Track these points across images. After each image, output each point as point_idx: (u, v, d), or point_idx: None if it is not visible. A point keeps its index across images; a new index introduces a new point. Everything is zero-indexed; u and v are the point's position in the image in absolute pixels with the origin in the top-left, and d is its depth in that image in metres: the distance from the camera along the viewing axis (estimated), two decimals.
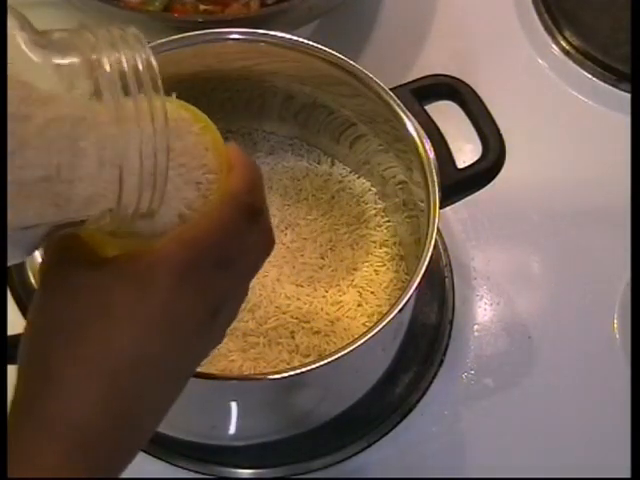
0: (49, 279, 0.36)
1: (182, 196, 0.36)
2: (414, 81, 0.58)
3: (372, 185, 0.66)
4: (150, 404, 0.36)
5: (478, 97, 0.58)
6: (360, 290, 0.62)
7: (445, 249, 0.69)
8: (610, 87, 0.78)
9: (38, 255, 0.50)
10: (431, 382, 0.65)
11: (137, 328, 0.35)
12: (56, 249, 0.36)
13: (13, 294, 0.50)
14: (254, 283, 0.60)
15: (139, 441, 0.37)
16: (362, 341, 0.49)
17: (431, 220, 0.52)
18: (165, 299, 0.35)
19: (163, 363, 0.36)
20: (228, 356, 0.58)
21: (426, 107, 0.57)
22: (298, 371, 0.49)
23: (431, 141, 0.55)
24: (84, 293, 0.35)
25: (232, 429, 0.63)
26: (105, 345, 0.34)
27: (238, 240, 0.37)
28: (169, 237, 0.36)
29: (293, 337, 0.59)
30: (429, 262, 0.51)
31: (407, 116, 0.56)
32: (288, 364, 0.58)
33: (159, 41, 0.58)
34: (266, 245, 0.40)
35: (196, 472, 0.62)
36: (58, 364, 0.34)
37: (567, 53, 0.79)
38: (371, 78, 0.57)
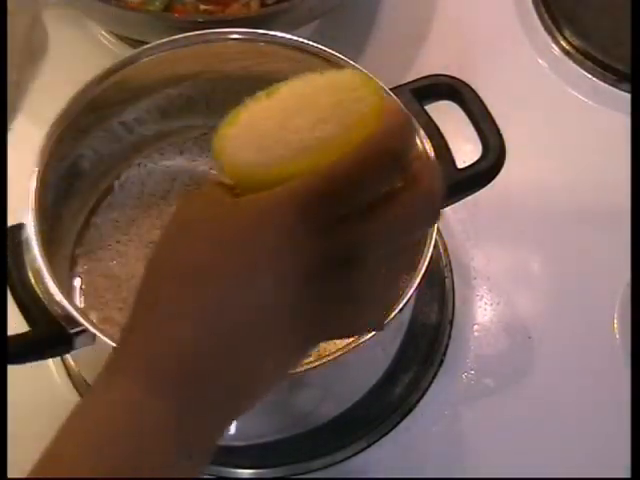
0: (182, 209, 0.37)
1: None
2: (414, 81, 0.58)
3: None
4: (249, 359, 0.34)
5: (478, 97, 0.58)
6: None
7: (445, 249, 0.69)
8: (610, 87, 0.78)
9: (38, 255, 0.50)
10: (431, 382, 0.65)
11: (241, 270, 0.34)
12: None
13: (13, 294, 0.50)
14: None
15: (235, 401, 0.35)
16: (362, 341, 0.49)
17: None
18: (275, 243, 0.34)
19: (267, 313, 0.34)
20: None
21: (426, 107, 0.57)
22: (298, 371, 0.49)
23: (431, 141, 0.55)
24: (201, 228, 0.35)
25: (232, 429, 0.63)
26: (209, 289, 0.34)
27: (375, 182, 0.35)
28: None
29: None
30: (429, 262, 0.51)
31: None
32: None
33: (159, 41, 0.58)
34: (422, 204, 0.36)
35: None
36: (164, 297, 0.34)
37: (567, 53, 0.79)
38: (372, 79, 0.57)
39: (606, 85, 0.78)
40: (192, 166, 0.66)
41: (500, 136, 0.57)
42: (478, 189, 0.57)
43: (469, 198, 0.58)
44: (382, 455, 0.63)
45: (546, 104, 0.77)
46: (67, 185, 0.60)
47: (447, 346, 0.66)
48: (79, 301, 0.61)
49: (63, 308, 0.49)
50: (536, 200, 0.72)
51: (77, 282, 0.62)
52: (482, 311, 0.68)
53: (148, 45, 0.58)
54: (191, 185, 0.65)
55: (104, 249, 0.63)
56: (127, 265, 0.62)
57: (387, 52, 0.79)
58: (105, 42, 0.77)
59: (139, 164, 0.66)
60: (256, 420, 0.62)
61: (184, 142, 0.67)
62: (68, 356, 0.63)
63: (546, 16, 0.81)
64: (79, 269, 0.62)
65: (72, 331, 0.49)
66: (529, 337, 0.67)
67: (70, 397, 0.62)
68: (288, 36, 0.58)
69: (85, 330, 0.49)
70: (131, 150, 0.65)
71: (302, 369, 0.49)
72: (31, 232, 0.51)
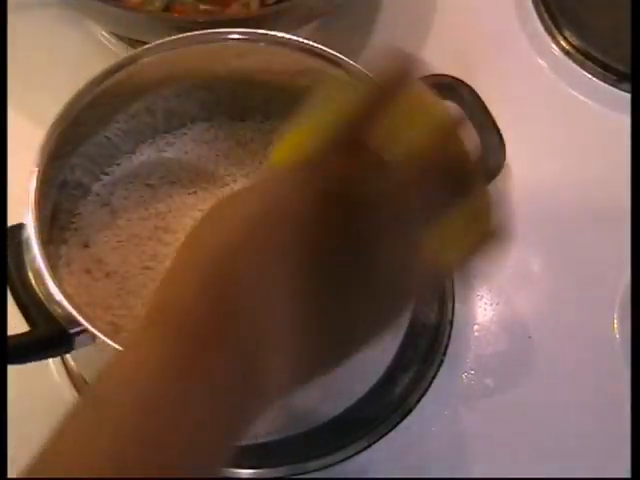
0: None
1: None
2: None
3: None
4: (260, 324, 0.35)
5: (478, 97, 0.58)
6: None
7: None
8: (610, 87, 0.78)
9: (38, 255, 0.50)
10: (431, 382, 0.65)
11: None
12: None
13: (13, 294, 0.50)
14: None
15: (246, 369, 0.35)
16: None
17: None
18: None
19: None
20: None
21: None
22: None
23: None
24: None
25: None
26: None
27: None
28: None
29: None
30: None
31: None
32: None
33: (159, 41, 0.58)
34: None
35: None
36: None
37: (567, 53, 0.79)
38: (371, 78, 0.57)
39: (606, 85, 0.78)
40: (192, 166, 0.66)
41: (500, 136, 0.57)
42: None
43: None
44: (382, 455, 0.63)
45: (546, 104, 0.77)
46: (67, 185, 0.60)
47: (447, 346, 0.66)
48: None
49: (63, 308, 0.49)
50: (536, 200, 0.72)
51: None
52: (482, 311, 0.68)
53: (148, 45, 0.58)
54: (191, 185, 0.65)
55: None
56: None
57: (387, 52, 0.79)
58: (105, 42, 0.77)
59: (138, 163, 0.66)
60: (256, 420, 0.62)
61: (184, 142, 0.67)
62: (68, 356, 0.63)
63: (546, 16, 0.81)
64: None
65: (72, 331, 0.49)
66: (529, 337, 0.67)
67: (70, 397, 0.62)
68: (288, 36, 0.58)
69: (85, 330, 0.49)
70: (130, 149, 0.65)
71: None
72: (31, 232, 0.51)
